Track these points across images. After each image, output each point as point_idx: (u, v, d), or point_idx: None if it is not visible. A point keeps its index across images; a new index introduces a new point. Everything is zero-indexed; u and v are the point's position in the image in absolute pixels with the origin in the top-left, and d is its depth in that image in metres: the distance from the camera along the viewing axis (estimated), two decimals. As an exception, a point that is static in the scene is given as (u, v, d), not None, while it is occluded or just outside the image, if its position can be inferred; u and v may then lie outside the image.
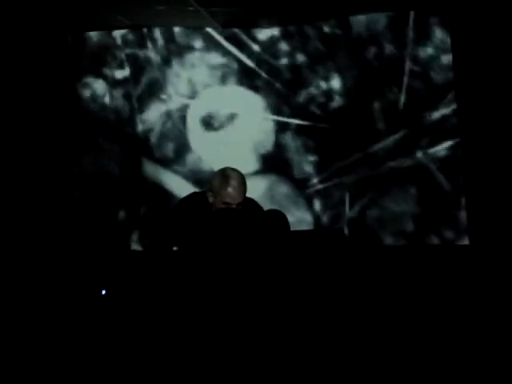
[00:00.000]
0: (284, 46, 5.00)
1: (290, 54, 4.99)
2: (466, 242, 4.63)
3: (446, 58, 4.81)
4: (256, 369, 2.85)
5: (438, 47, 4.79)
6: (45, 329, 4.02)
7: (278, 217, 3.25)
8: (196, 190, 4.99)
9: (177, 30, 5.08)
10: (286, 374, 2.90)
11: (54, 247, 4.88)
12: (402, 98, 4.85)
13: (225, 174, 3.03)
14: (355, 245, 4.77)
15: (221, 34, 5.01)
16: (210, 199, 3.02)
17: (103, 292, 4.19)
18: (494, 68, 4.50)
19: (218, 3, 4.44)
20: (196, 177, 5.03)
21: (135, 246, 5.04)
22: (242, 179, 3.06)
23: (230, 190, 2.98)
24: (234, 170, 3.09)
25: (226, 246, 3.00)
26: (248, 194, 4.96)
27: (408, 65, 4.86)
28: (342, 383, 3.10)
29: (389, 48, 4.86)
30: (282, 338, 2.94)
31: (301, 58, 5.00)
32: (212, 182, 3.03)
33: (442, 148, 4.77)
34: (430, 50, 4.82)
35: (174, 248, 3.18)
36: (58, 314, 4.25)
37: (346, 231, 4.82)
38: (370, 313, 3.93)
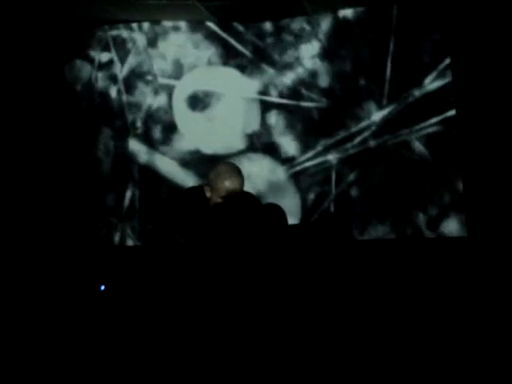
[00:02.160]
0: (269, 26, 5.01)
1: (276, 34, 5.00)
2: (450, 217, 4.68)
3: (433, 36, 4.83)
4: (253, 364, 2.89)
5: (422, 26, 4.80)
6: (45, 323, 4.03)
7: (275, 211, 3.28)
8: (182, 170, 5.05)
9: (161, 10, 5.07)
10: (281, 368, 2.94)
11: (49, 238, 4.90)
12: (388, 76, 4.86)
13: (222, 168, 3.02)
14: (352, 239, 4.78)
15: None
16: (208, 194, 3.02)
17: (102, 287, 4.21)
18: (487, 44, 4.51)
19: None
20: (183, 157, 5.05)
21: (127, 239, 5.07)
22: (239, 173, 3.05)
23: (227, 184, 2.98)
24: (231, 164, 3.09)
25: (223, 241, 3.03)
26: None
27: (393, 43, 4.88)
28: (336, 377, 3.14)
29: (374, 27, 4.86)
30: (281, 332, 2.98)
31: (287, 37, 5.01)
32: (209, 177, 3.00)
33: (427, 125, 4.80)
34: (414, 29, 4.83)
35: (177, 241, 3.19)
36: (57, 309, 4.26)
37: (333, 210, 4.85)
38: (368, 307, 3.95)
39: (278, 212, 3.26)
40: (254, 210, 3.19)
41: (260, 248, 3.10)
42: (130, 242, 5.02)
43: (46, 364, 3.53)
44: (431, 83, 4.81)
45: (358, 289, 4.04)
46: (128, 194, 5.08)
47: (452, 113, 4.76)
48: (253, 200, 3.26)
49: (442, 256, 4.51)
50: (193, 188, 3.24)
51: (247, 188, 5.05)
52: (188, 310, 2.97)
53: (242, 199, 3.13)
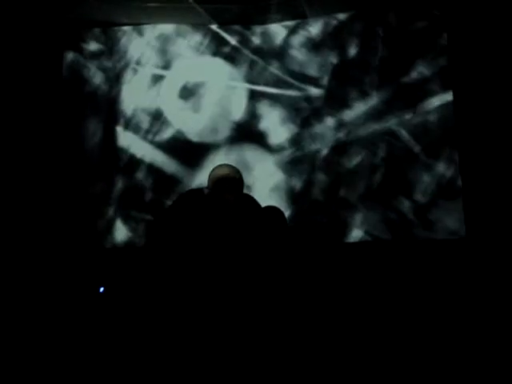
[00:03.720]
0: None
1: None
2: (437, 205, 4.70)
3: (420, 24, 4.86)
4: (250, 361, 2.91)
5: (408, 15, 4.83)
6: (45, 323, 4.02)
7: (275, 213, 3.28)
8: (169, 159, 5.06)
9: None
10: (275, 364, 2.96)
11: (37, 230, 4.90)
12: (375, 65, 4.89)
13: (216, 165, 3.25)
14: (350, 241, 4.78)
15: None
16: (206, 191, 3.15)
17: (101, 289, 4.20)
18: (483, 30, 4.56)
19: (215, 0, 4.49)
20: (171, 146, 5.06)
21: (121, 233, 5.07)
22: (230, 165, 3.25)
23: (216, 170, 3.17)
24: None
25: (222, 241, 3.06)
26: (223, 162, 5.02)
27: (380, 32, 4.90)
28: (329, 375, 3.15)
29: (362, 16, 4.89)
30: (279, 332, 3.00)
31: (274, 26, 5.03)
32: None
33: (415, 114, 4.82)
34: (402, 17, 4.86)
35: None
36: (56, 309, 4.25)
37: (321, 198, 4.86)
38: (366, 307, 3.96)
39: (277, 214, 3.28)
40: (254, 212, 3.21)
41: (260, 249, 3.12)
42: (118, 231, 5.03)
43: (44, 364, 3.52)
44: (418, 73, 4.84)
45: (355, 290, 4.06)
46: (115, 182, 5.08)
47: (438, 102, 4.79)
48: (252, 202, 3.28)
49: (440, 256, 4.52)
50: (192, 191, 3.29)
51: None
52: (186, 310, 2.99)
53: (240, 198, 3.17)
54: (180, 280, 3.04)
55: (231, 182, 3.12)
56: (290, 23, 5.00)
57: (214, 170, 3.20)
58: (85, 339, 3.76)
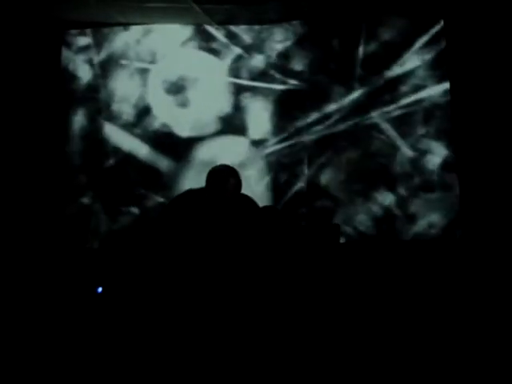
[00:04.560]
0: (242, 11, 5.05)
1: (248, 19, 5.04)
2: (419, 197, 4.75)
3: (402, 21, 4.90)
4: (246, 359, 2.95)
5: (390, 10, 4.86)
6: (42, 324, 4.02)
7: (272, 213, 3.31)
8: (156, 152, 5.10)
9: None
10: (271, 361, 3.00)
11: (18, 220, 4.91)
12: (358, 59, 4.92)
13: None
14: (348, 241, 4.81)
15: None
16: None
17: (99, 290, 4.21)
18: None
19: (213, 0, 4.50)
20: (157, 140, 5.10)
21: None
22: (229, 165, 3.30)
23: (216, 169, 3.24)
24: None
25: (221, 240, 3.09)
26: (208, 155, 5.06)
27: (363, 27, 4.93)
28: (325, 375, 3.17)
29: (344, 11, 4.91)
30: (274, 328, 3.03)
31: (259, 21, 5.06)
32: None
33: (397, 107, 4.86)
34: (384, 11, 4.88)
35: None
36: (53, 309, 4.25)
37: (304, 191, 4.92)
38: (361, 308, 3.97)
39: (275, 214, 3.31)
40: (251, 212, 3.24)
41: (256, 247, 3.16)
42: (101, 223, 5.09)
43: (41, 365, 3.53)
44: (401, 67, 4.87)
45: (352, 289, 4.08)
46: (100, 176, 5.13)
47: (422, 95, 4.83)
48: (250, 203, 3.31)
49: (432, 256, 4.56)
50: (191, 191, 3.30)
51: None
52: (183, 309, 3.02)
53: (238, 195, 3.18)
54: (178, 279, 3.07)
55: (234, 177, 3.16)
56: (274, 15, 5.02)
57: (212, 170, 3.22)
58: (79, 339, 3.76)
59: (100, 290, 4.22)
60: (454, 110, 4.71)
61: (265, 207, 3.52)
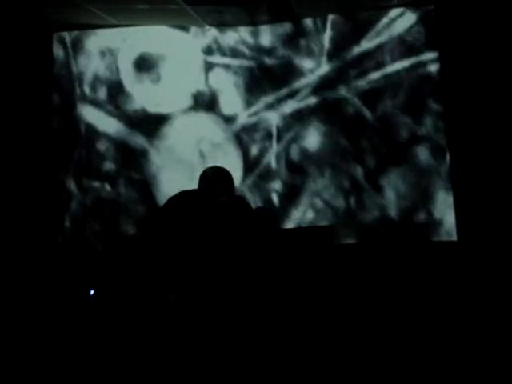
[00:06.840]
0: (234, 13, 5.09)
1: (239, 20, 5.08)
2: (387, 170, 4.81)
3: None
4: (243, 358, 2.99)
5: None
6: (38, 325, 4.05)
7: (266, 214, 3.34)
8: (129, 130, 5.16)
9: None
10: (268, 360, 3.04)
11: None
12: (327, 35, 4.97)
13: None
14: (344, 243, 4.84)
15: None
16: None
17: (92, 292, 4.25)
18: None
19: (204, 1, 4.54)
20: (130, 117, 5.15)
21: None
22: (221, 167, 3.30)
23: (208, 171, 3.24)
24: None
25: (215, 242, 3.12)
26: (180, 131, 5.10)
27: (333, 4, 4.97)
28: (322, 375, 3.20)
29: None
30: (272, 331, 3.07)
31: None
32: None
33: (366, 81, 4.91)
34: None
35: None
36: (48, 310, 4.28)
37: (274, 165, 4.98)
38: (358, 309, 3.99)
39: (268, 215, 3.34)
40: (245, 213, 3.28)
41: (251, 250, 3.19)
42: (74, 202, 5.16)
43: (41, 365, 3.54)
44: (369, 41, 4.92)
45: (348, 292, 4.11)
46: (75, 154, 5.19)
47: (390, 69, 4.88)
48: (244, 204, 3.35)
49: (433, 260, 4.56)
50: (184, 192, 3.31)
51: (192, 146, 5.18)
52: (178, 309, 3.06)
53: (225, 187, 3.19)
54: (176, 278, 3.09)
55: (223, 184, 3.19)
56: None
57: (204, 171, 3.24)
58: (74, 339, 3.78)
59: (92, 292, 4.24)
60: (443, 83, 4.73)
61: (258, 208, 3.55)
